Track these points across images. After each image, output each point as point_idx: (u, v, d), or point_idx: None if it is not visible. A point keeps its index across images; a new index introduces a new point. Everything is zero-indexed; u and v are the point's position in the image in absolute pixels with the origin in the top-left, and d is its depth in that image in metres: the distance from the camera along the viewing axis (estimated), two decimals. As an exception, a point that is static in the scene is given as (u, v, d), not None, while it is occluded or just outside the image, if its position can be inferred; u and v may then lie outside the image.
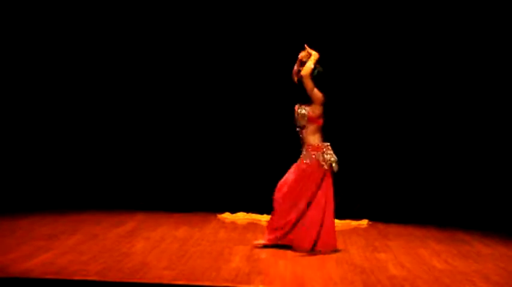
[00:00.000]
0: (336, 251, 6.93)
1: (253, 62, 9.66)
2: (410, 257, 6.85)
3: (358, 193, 9.59)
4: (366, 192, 9.58)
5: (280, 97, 8.84)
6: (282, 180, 7.07)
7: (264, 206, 9.15)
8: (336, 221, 9.13)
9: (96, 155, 9.81)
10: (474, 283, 5.87)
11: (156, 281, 5.42)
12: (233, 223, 8.76)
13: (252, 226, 8.60)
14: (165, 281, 5.40)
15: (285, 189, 6.99)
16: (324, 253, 6.80)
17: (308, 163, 6.98)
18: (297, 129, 7.08)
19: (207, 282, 5.45)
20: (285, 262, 6.36)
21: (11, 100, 9.68)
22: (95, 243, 6.91)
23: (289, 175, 7.05)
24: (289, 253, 6.78)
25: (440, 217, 9.33)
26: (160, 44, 9.75)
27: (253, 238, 7.54)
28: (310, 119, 6.98)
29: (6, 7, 9.56)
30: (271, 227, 7.07)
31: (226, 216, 9.17)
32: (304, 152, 7.04)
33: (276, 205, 7.05)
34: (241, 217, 9.17)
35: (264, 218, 9.05)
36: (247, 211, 9.30)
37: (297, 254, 6.73)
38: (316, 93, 6.95)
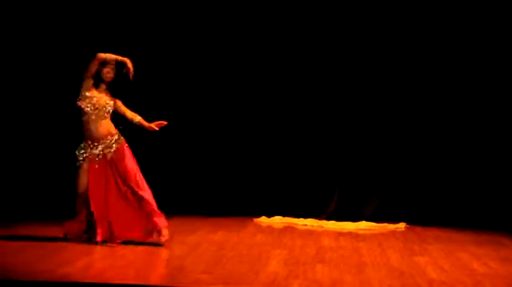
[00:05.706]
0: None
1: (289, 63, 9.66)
2: (449, 261, 6.78)
3: (396, 196, 9.54)
4: (404, 195, 9.53)
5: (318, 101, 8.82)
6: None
7: (301, 209, 9.17)
8: (373, 224, 9.13)
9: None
10: (515, 286, 5.80)
11: (194, 285, 5.43)
12: (269, 226, 8.75)
13: (289, 229, 8.59)
14: (203, 286, 5.41)
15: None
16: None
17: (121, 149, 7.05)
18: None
19: (244, 286, 5.45)
20: (323, 266, 6.32)
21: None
22: (131, 248, 6.94)
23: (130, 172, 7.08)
24: (327, 256, 6.75)
25: (478, 220, 9.25)
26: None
27: (290, 242, 7.54)
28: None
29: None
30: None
31: (263, 220, 9.16)
32: (114, 143, 7.04)
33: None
34: (278, 220, 9.15)
35: (301, 222, 9.04)
36: (284, 215, 9.28)
37: (334, 257, 6.70)
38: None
